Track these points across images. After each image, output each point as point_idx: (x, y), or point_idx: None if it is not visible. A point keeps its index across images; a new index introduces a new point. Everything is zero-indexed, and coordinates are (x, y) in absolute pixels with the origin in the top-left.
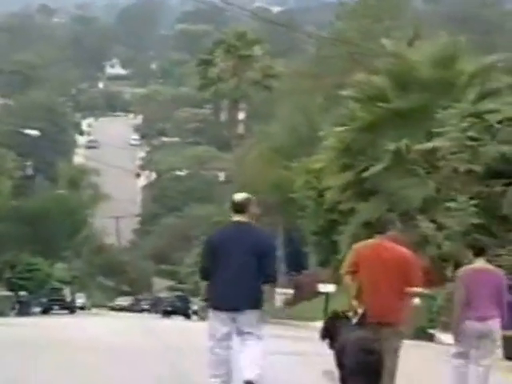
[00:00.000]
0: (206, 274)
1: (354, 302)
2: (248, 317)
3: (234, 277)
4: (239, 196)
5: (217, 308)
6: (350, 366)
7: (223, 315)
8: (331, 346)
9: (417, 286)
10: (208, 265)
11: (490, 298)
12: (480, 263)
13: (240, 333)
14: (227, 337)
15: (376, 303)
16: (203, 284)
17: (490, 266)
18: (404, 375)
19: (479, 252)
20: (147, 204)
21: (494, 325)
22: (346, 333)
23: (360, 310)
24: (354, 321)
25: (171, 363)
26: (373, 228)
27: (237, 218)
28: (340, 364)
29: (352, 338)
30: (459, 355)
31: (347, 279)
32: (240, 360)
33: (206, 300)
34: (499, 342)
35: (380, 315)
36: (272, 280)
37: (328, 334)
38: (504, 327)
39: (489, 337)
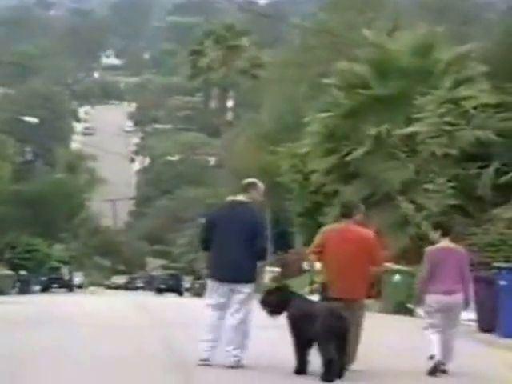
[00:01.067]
0: (205, 246)
1: (317, 279)
2: (242, 289)
3: (229, 252)
4: (246, 180)
5: (214, 279)
6: (323, 331)
7: (220, 286)
8: (276, 314)
9: (378, 265)
10: (207, 237)
11: (455, 273)
12: (445, 242)
13: (232, 305)
14: (222, 306)
15: (341, 281)
16: (205, 254)
17: (453, 245)
18: (386, 347)
19: (446, 232)
20: (141, 187)
21: (458, 298)
22: (297, 304)
23: (316, 286)
24: (318, 295)
25: (163, 337)
26: (340, 212)
27: (239, 196)
28: (295, 332)
29: (324, 307)
30: (430, 326)
31: (311, 257)
32: (228, 332)
33: (206, 268)
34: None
35: (345, 292)
36: (261, 256)
37: (279, 304)
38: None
39: (453, 309)
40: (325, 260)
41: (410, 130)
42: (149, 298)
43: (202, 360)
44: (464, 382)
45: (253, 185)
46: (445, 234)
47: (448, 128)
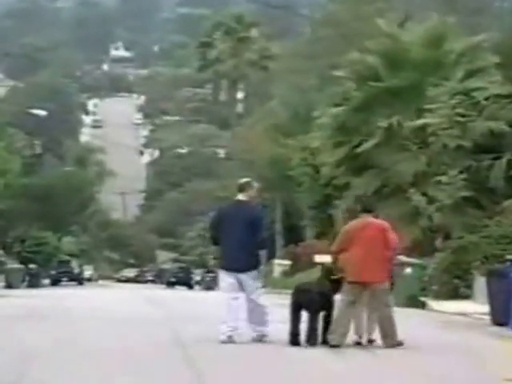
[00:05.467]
0: (214, 241)
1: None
2: (247, 276)
3: (235, 244)
4: (242, 180)
5: (224, 269)
6: (290, 303)
7: (229, 274)
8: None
9: (393, 249)
10: (215, 234)
11: None
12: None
13: (245, 291)
14: (235, 288)
15: (363, 266)
16: (214, 248)
17: None
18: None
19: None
20: (151, 180)
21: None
22: None
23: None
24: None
25: (173, 330)
26: (360, 207)
27: (238, 196)
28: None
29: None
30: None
31: (334, 258)
32: (248, 313)
33: (217, 259)
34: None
35: (367, 276)
36: (261, 245)
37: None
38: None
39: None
40: (348, 250)
41: (421, 121)
42: (159, 292)
43: (224, 339)
44: (469, 375)
45: (249, 184)
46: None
47: (460, 119)
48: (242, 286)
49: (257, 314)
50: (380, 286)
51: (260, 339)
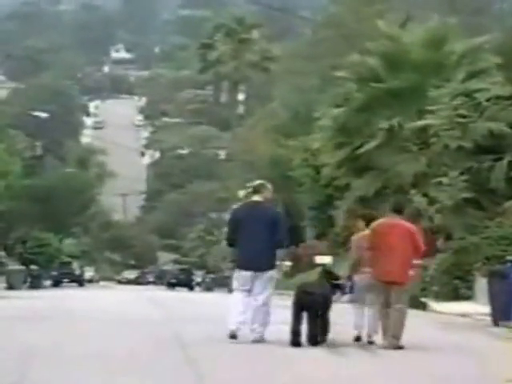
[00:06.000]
0: (231, 242)
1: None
2: (263, 275)
3: (253, 245)
4: (256, 182)
5: (241, 268)
6: (292, 304)
7: (245, 274)
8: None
9: (420, 254)
10: (233, 235)
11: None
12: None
13: (255, 289)
14: (248, 286)
15: (390, 267)
16: (230, 250)
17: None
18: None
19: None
20: (152, 181)
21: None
22: None
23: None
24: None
25: (174, 332)
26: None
27: (254, 197)
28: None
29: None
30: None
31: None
32: (252, 312)
33: (233, 261)
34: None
35: (392, 276)
36: (280, 245)
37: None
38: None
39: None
40: (375, 249)
41: (422, 122)
42: (160, 293)
43: (231, 335)
44: (472, 375)
45: (263, 186)
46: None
47: (461, 120)
48: (253, 286)
49: (261, 314)
50: (403, 287)
51: (260, 340)
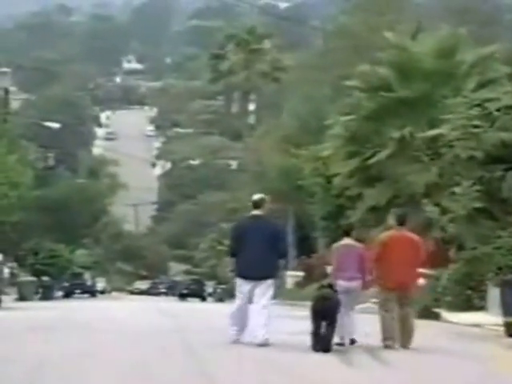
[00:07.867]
0: (233, 253)
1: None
2: (264, 284)
3: (254, 255)
4: (256, 196)
5: (242, 277)
6: (312, 310)
7: (246, 282)
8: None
9: (422, 264)
10: (235, 247)
11: (354, 264)
12: (347, 240)
13: (256, 295)
14: (249, 294)
15: (397, 276)
16: (231, 260)
17: (353, 242)
18: (411, 351)
19: (346, 233)
20: (163, 192)
21: (357, 284)
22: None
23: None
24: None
25: (186, 343)
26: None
27: (255, 212)
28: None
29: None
30: None
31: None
32: (254, 317)
33: (232, 271)
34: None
35: (400, 285)
36: (283, 256)
37: None
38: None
39: (351, 293)
40: (382, 260)
41: (434, 132)
42: (172, 304)
43: (232, 342)
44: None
45: (264, 200)
46: (345, 235)
47: (475, 130)
48: (253, 294)
49: (262, 316)
50: (409, 293)
51: (265, 343)
